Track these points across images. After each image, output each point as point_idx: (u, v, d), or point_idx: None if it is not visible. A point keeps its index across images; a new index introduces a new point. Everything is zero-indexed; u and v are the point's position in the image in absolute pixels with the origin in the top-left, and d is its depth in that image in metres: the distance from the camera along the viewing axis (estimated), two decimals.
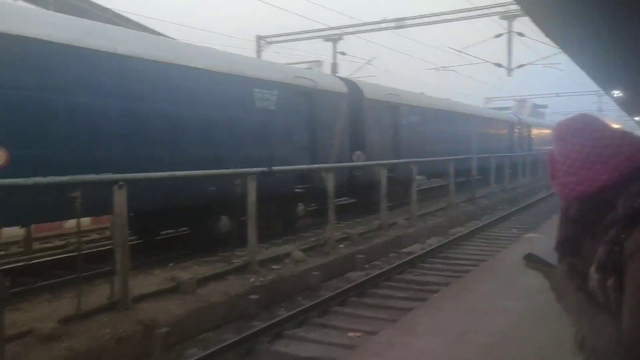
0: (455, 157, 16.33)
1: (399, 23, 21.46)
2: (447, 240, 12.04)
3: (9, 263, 8.92)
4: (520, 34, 20.16)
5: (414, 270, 9.54)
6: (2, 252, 10.20)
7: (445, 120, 19.93)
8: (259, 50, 23.95)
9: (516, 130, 28.84)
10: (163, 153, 8.29)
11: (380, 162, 13.08)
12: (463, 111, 21.99)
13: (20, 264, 9.21)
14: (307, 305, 7.21)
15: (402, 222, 13.04)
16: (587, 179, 1.47)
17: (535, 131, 32.69)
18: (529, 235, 11.51)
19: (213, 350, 5.64)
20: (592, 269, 1.45)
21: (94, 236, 12.63)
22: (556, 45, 11.95)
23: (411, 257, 10.31)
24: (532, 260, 1.66)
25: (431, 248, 11.18)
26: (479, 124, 22.28)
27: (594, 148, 1.47)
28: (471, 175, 18.12)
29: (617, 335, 1.32)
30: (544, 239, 9.87)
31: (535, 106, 44.67)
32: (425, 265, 10.00)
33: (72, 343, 5.34)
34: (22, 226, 8.44)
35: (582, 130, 1.51)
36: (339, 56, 23.96)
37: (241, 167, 8.46)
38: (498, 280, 7.31)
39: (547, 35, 9.53)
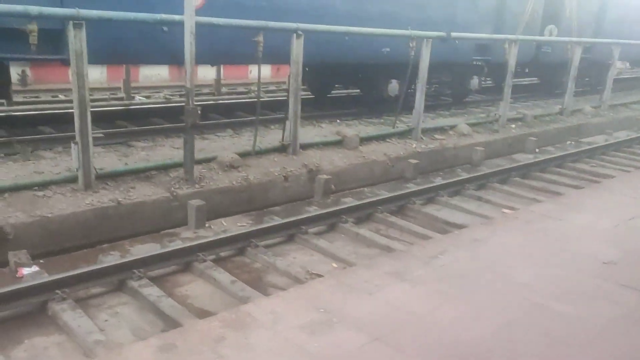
0: None
1: None
2: (638, 135, 10.70)
3: (201, 101, 10.10)
4: None
5: (591, 161, 8.78)
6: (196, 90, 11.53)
7: None
8: None
9: None
10: (342, 7, 8.25)
11: (575, 39, 11.62)
12: None
13: (210, 102, 10.38)
14: (465, 177, 7.16)
15: (588, 110, 11.81)
16: None
17: None
18: None
19: (367, 201, 5.97)
20: None
21: (272, 87, 13.55)
22: None
23: (591, 147, 9.45)
24: None
25: (617, 141, 10.07)
26: None
27: None
28: None
29: None
30: None
31: None
32: (606, 157, 9.11)
33: (247, 173, 6.06)
34: (212, 65, 9.29)
35: None
36: None
37: (419, 29, 8.14)
38: None
39: None
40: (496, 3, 10.84)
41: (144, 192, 5.28)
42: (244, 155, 6.45)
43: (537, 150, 9.42)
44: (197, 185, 5.60)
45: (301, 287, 3.30)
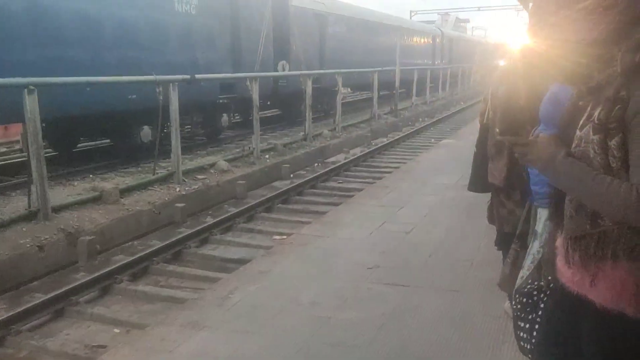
0: (379, 68, 16.46)
1: None
2: (369, 150, 12.42)
3: None
4: None
5: (338, 178, 9.86)
6: None
7: (371, 31, 19.85)
8: None
9: (438, 43, 29.28)
10: (78, 56, 7.78)
11: (305, 72, 12.98)
12: (389, 23, 21.93)
13: None
14: (234, 212, 7.35)
15: (327, 133, 13.25)
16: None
17: (456, 44, 33.32)
18: (445, 141, 12.19)
19: (140, 255, 5.69)
20: (584, 133, 1.40)
21: (3, 149, 11.93)
22: None
23: (335, 165, 10.61)
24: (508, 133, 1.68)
25: (354, 157, 11.52)
26: (403, 36, 22.39)
27: None
28: (394, 88, 18.42)
29: (632, 191, 1.27)
30: (459, 144, 10.51)
31: (458, 20, 45.22)
32: (349, 173, 10.35)
33: None
34: None
35: None
36: None
37: (162, 74, 8.13)
38: (415, 179, 7.81)
39: None
40: (231, 44, 11.48)
41: None
42: None
43: (291, 175, 10.18)
44: None
45: None
